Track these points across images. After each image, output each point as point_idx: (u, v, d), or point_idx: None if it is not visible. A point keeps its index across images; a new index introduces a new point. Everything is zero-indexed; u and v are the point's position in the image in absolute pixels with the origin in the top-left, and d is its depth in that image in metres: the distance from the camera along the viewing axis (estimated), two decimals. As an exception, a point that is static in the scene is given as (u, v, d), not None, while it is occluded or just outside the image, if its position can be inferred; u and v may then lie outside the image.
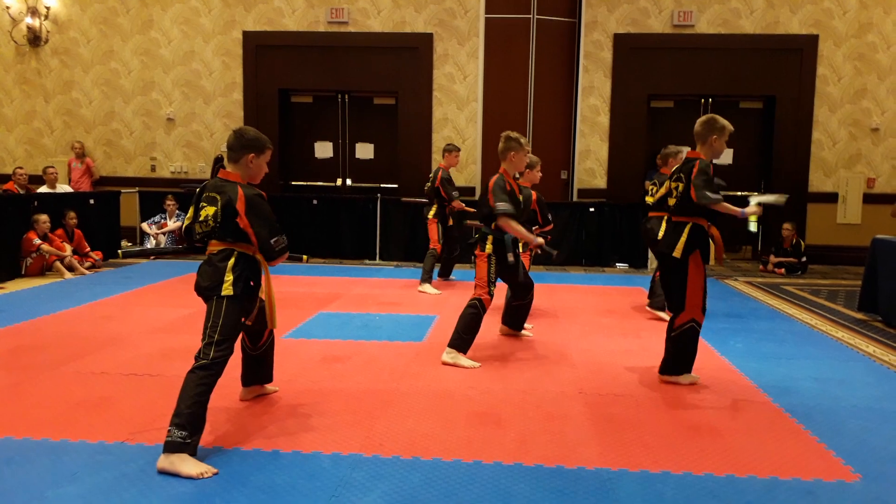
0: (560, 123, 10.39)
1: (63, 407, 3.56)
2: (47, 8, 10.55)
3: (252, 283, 3.15)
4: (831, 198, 10.17)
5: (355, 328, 5.48)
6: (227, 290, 3.05)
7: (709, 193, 3.91)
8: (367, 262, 9.35)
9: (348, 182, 10.92)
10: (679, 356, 4.16)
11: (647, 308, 6.19)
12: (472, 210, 7.15)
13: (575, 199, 10.21)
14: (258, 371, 3.69)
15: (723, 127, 4.04)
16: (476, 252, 4.57)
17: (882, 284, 6.07)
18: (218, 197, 3.06)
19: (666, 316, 5.62)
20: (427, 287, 7.08)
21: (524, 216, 4.88)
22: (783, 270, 9.09)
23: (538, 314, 6.15)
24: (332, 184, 10.93)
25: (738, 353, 4.94)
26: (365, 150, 10.92)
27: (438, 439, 3.24)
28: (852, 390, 4.14)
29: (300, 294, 6.80)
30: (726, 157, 10.52)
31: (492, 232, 4.52)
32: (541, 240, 4.70)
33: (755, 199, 4.12)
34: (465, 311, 4.50)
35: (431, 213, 7.26)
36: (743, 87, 10.27)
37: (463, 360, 4.46)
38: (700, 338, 5.27)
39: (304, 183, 10.92)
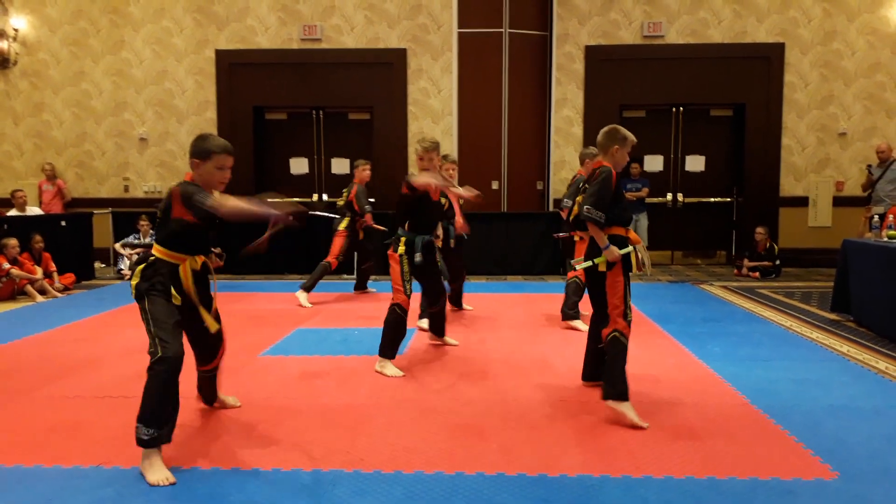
0: (535, 135, 10.47)
1: (36, 432, 3.49)
2: (15, 30, 10.43)
3: (162, 281, 3.13)
4: (802, 202, 10.33)
5: (334, 343, 5.44)
6: (133, 293, 3.15)
7: (589, 209, 3.77)
8: (346, 276, 9.31)
9: (325, 197, 10.89)
10: (611, 370, 3.83)
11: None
12: (383, 228, 7.35)
13: (551, 209, 10.26)
14: (212, 389, 3.77)
15: (624, 137, 4.02)
16: (389, 253, 4.69)
17: (853, 285, 6.16)
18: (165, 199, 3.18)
19: (583, 326, 5.70)
20: (303, 297, 7.08)
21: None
22: (758, 274, 9.21)
23: (519, 323, 6.16)
24: (309, 199, 10.88)
25: (716, 356, 4.98)
26: (341, 166, 10.90)
27: (420, 452, 3.22)
28: (828, 390, 4.19)
29: (277, 311, 6.74)
30: (698, 164, 10.68)
31: (405, 234, 4.70)
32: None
33: (626, 250, 3.84)
34: (387, 319, 4.59)
35: (342, 225, 7.36)
36: (713, 96, 10.42)
37: (389, 368, 4.52)
38: (678, 342, 5.40)
39: (280, 199, 10.81)
